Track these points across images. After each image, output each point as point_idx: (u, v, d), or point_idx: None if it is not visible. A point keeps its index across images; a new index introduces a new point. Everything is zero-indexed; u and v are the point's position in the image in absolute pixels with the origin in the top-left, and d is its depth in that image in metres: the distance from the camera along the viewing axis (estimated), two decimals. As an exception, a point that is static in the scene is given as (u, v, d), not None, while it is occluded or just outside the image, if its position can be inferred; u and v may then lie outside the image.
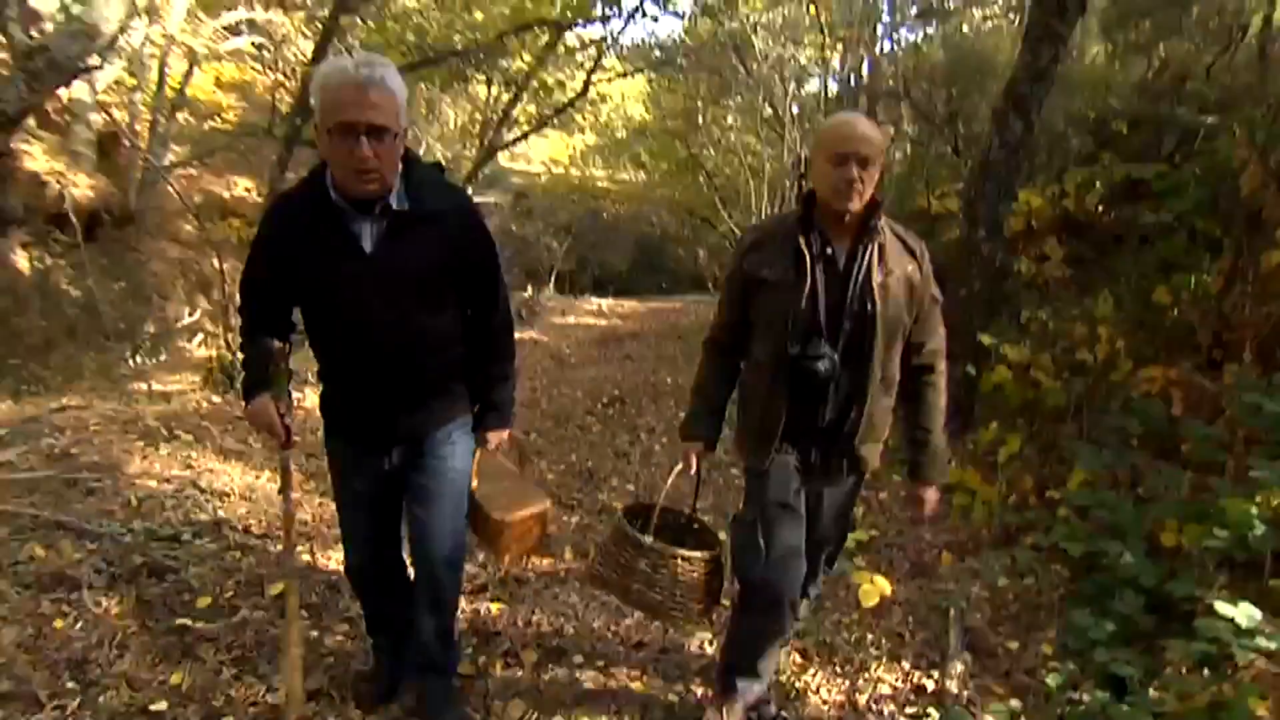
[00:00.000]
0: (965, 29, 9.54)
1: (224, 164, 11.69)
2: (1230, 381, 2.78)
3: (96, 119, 10.09)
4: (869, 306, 1.74)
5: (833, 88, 11.31)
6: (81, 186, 9.35)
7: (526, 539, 2.13)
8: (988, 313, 3.84)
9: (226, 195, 11.86)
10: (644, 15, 4.31)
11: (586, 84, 6.05)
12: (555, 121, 9.43)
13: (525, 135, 7.05)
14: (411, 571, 2.02)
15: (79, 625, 2.24)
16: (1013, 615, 2.62)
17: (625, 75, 6.71)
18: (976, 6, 10.05)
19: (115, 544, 2.60)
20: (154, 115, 9.96)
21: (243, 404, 1.80)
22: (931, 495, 1.99)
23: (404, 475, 1.90)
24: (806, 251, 1.76)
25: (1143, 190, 4.63)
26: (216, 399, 4.19)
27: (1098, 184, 5.04)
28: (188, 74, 10.42)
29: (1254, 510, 2.26)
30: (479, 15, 4.43)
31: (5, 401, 4.07)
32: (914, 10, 11.25)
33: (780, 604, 1.88)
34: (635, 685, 2.29)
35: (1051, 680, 2.14)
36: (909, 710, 2.19)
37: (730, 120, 12.73)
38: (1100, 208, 5.08)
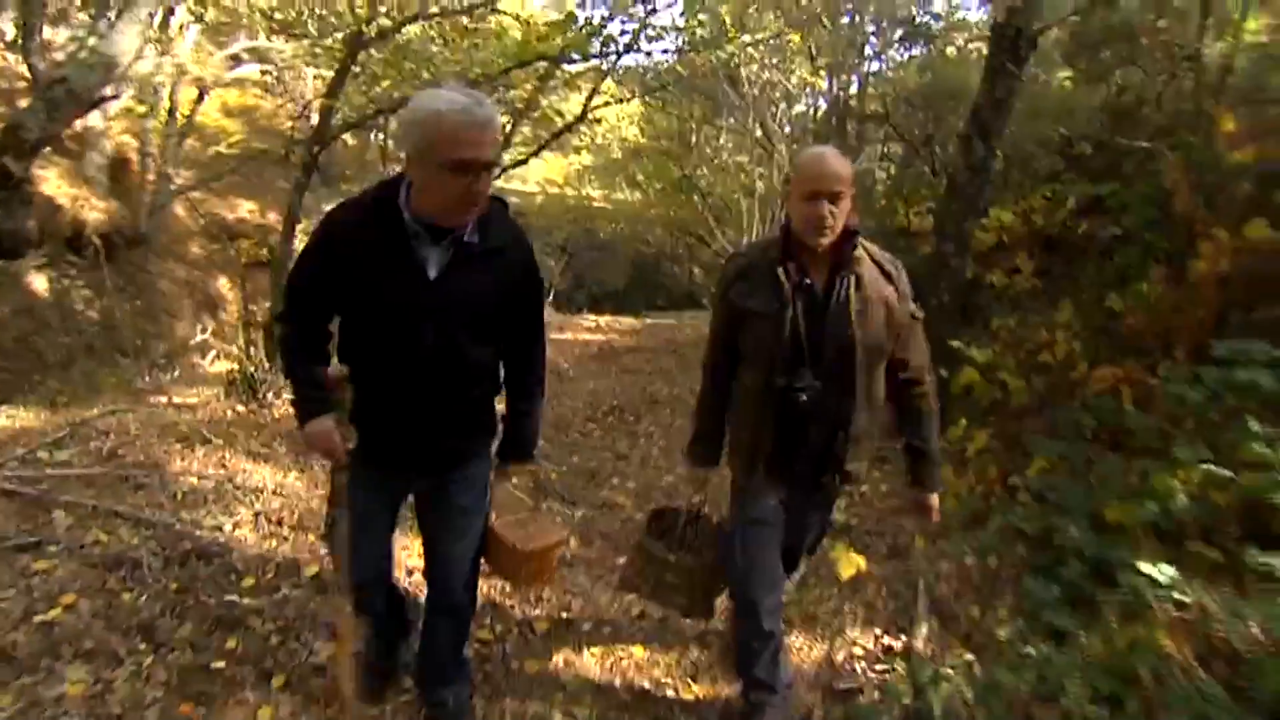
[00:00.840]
0: (950, 51, 10.00)
1: (227, 187, 12.05)
2: (1164, 374, 3.10)
3: (108, 145, 10.47)
4: (849, 335, 1.83)
5: (821, 106, 11.79)
6: (95, 210, 9.70)
7: (545, 569, 2.19)
8: (957, 321, 4.16)
9: (230, 217, 12.23)
10: (637, 50, 4.64)
11: (585, 110, 6.40)
12: (552, 144, 9.82)
13: (525, 160, 7.38)
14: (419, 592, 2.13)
15: (143, 598, 2.53)
16: (975, 587, 2.91)
17: (621, 101, 7.07)
18: (957, 31, 10.54)
19: (166, 531, 2.89)
20: (164, 141, 10.34)
21: (298, 424, 1.75)
22: (933, 502, 2.09)
23: (425, 501, 1.94)
24: (786, 283, 1.85)
25: (1102, 207, 4.98)
26: (240, 408, 4.47)
27: (1068, 201, 5.40)
28: (197, 101, 10.82)
29: (1177, 485, 2.57)
30: (485, 53, 4.77)
31: (44, 411, 4.34)
32: (899, 34, 11.75)
33: (753, 608, 2.05)
34: (636, 649, 2.58)
35: (1003, 634, 2.44)
36: (879, 666, 2.48)
37: (722, 140, 13.15)
38: (1066, 223, 5.44)
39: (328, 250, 1.69)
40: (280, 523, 3.22)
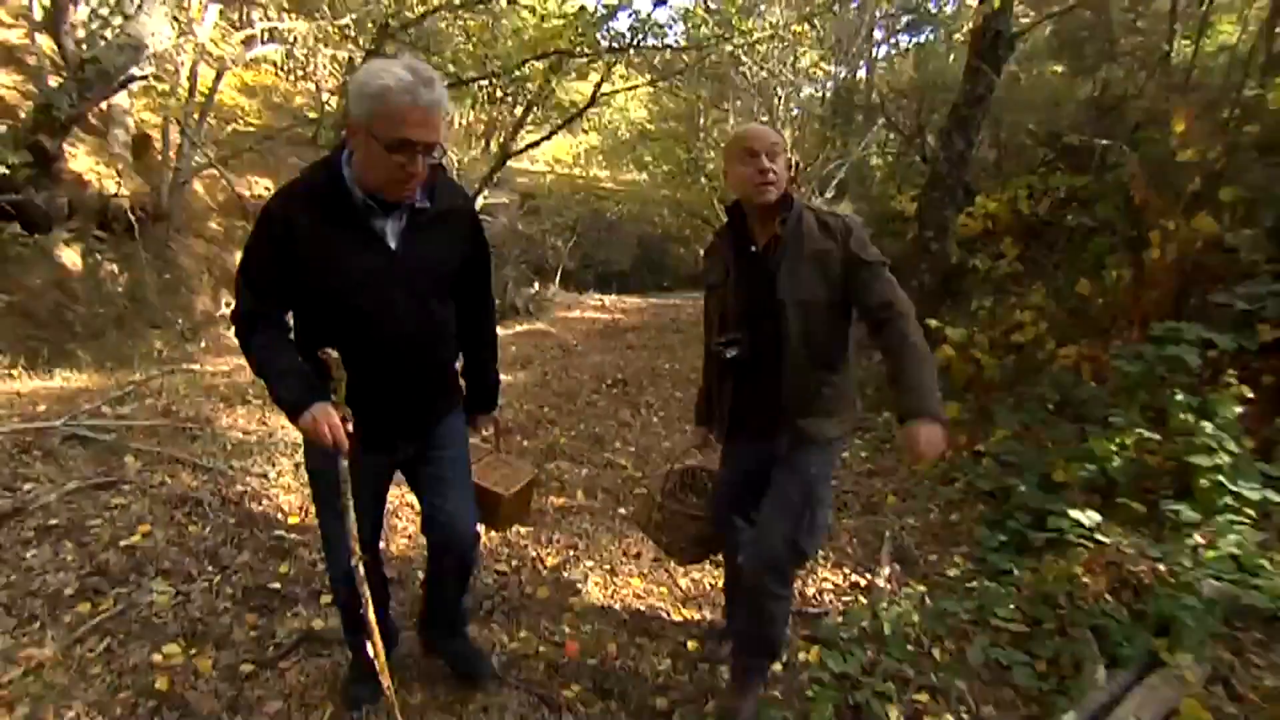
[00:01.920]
0: (957, 37, 10.17)
1: (245, 165, 12.36)
2: (1114, 352, 3.44)
3: (131, 122, 10.79)
4: (775, 292, 1.89)
5: (829, 90, 12.00)
6: (121, 186, 10.04)
7: (523, 508, 2.30)
8: (937, 301, 4.49)
9: (248, 194, 12.55)
10: (643, 47, 4.88)
11: (594, 95, 6.67)
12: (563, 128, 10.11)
13: (537, 143, 7.68)
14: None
15: (207, 529, 2.91)
16: (935, 536, 3.27)
17: (634, 88, 7.34)
18: (962, 19, 10.72)
19: (222, 476, 3.27)
20: (185, 119, 10.65)
21: (290, 416, 1.62)
22: (923, 431, 1.67)
23: (417, 463, 1.93)
24: (731, 254, 1.99)
25: (1080, 197, 5.28)
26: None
27: (1059, 190, 5.69)
28: (216, 80, 11.11)
29: (1113, 447, 2.92)
30: (504, 45, 5.06)
31: (95, 374, 4.72)
32: (905, 20, 11.92)
33: (728, 560, 2.33)
34: (634, 580, 2.95)
35: (953, 573, 2.80)
36: (845, 598, 2.84)
37: (730, 123, 13.38)
38: (1049, 212, 5.74)
39: (275, 240, 1.60)
40: (318, 472, 3.60)
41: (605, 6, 5.54)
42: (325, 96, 8.42)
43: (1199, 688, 1.99)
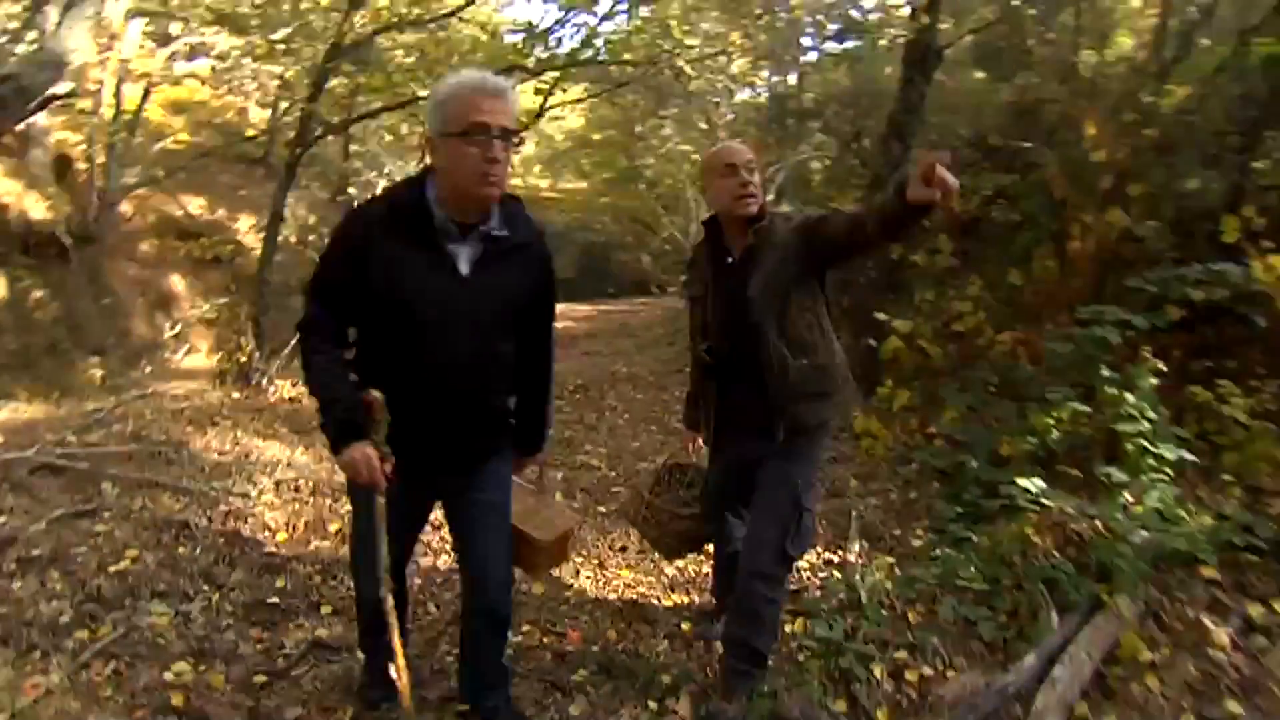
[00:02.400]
0: (883, 43, 10.67)
1: (175, 185, 11.97)
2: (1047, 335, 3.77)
3: (50, 142, 10.36)
4: (749, 294, 2.00)
5: (764, 96, 12.38)
6: (42, 209, 9.62)
7: (562, 555, 2.28)
8: (882, 295, 4.79)
9: (180, 215, 12.15)
10: (599, 61, 5.03)
11: (542, 110, 6.80)
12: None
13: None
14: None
15: (197, 551, 2.93)
16: (897, 513, 3.53)
17: (579, 101, 7.49)
18: (890, 27, 11.23)
19: (203, 498, 3.28)
20: (110, 138, 10.27)
21: (331, 448, 1.65)
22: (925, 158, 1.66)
23: (457, 501, 1.90)
24: (710, 267, 2.12)
25: (1007, 195, 5.68)
26: (236, 395, 4.81)
27: (987, 188, 6.09)
28: (144, 98, 10.75)
29: (1050, 421, 3.23)
30: (459, 62, 5.15)
31: (44, 404, 4.60)
32: (833, 28, 12.40)
33: (719, 545, 2.50)
34: (624, 572, 3.11)
35: (917, 544, 3.05)
36: (821, 574, 3.06)
37: (666, 130, 13.62)
38: (979, 210, 6.14)
39: (350, 252, 1.63)
40: (298, 490, 3.63)
41: (557, 22, 5.70)
42: (267, 112, 8.26)
43: (1134, 623, 2.26)
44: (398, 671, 1.71)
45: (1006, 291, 4.76)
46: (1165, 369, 3.27)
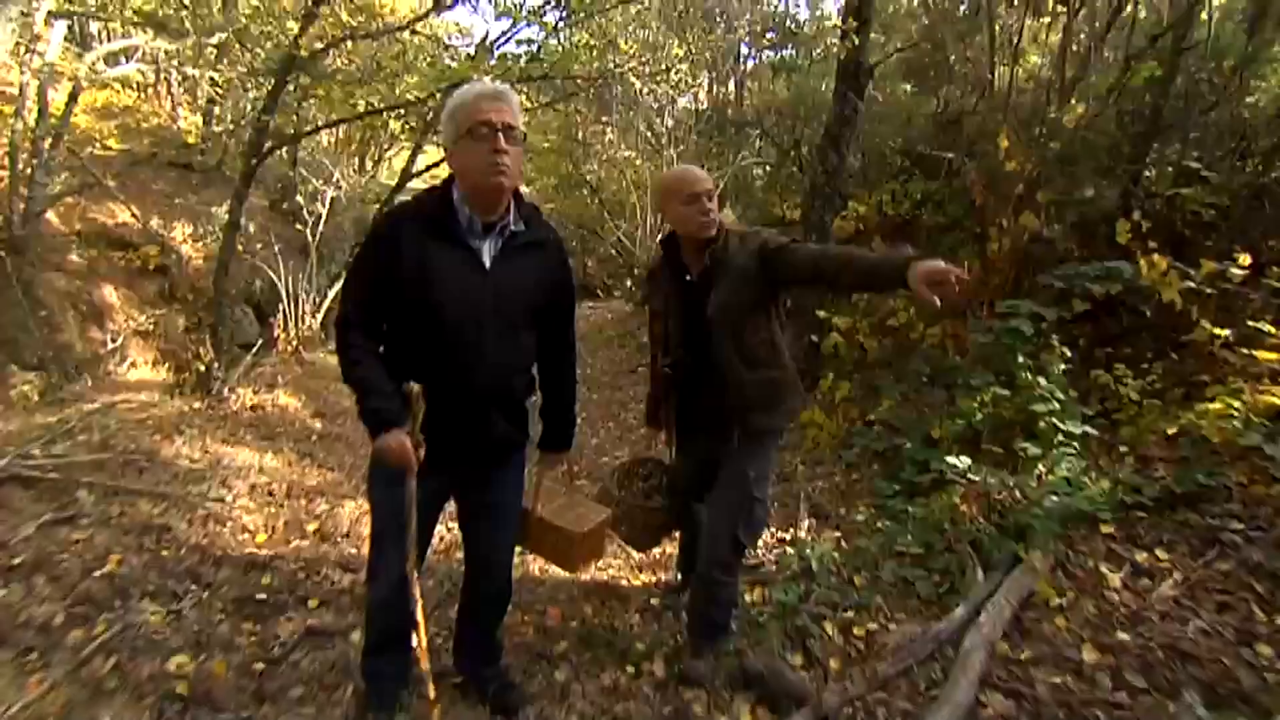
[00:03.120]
0: (817, 53, 11.13)
1: (104, 192, 11.58)
2: (971, 328, 4.16)
3: (-33, 148, 9.91)
4: (707, 313, 2.15)
5: (704, 104, 12.74)
6: (-34, 220, 9.21)
7: (598, 546, 2.38)
8: (822, 295, 5.13)
9: (110, 224, 11.75)
10: (552, 76, 5.22)
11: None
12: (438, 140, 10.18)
13: (439, 163, 7.85)
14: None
15: (182, 552, 3.02)
16: (842, 493, 3.85)
17: (529, 110, 7.65)
18: (822, 39, 11.74)
19: (183, 502, 3.35)
20: (34, 144, 9.89)
21: (370, 434, 1.74)
22: (924, 266, 1.71)
23: (472, 494, 1.99)
24: (670, 285, 2.24)
25: (934, 200, 6.13)
26: (196, 404, 4.82)
27: (916, 194, 6.53)
28: (70, 103, 10.39)
29: (975, 405, 3.59)
30: (418, 76, 5.25)
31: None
32: (771, 35, 12.85)
33: (685, 530, 2.72)
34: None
35: (860, 518, 3.37)
36: (774, 551, 3.33)
37: (609, 136, 13.84)
38: (909, 213, 6.59)
39: (383, 253, 1.74)
40: (272, 493, 3.73)
41: (503, 34, 5.83)
42: (197, 117, 8.11)
43: (1046, 574, 2.61)
44: (419, 642, 1.85)
45: (935, 289, 5.16)
46: (1072, 355, 3.68)
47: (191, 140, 9.10)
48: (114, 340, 8.70)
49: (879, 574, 2.88)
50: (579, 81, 5.79)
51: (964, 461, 3.24)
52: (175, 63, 10.64)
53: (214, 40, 9.27)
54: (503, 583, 2.15)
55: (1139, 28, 4.70)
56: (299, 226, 8.26)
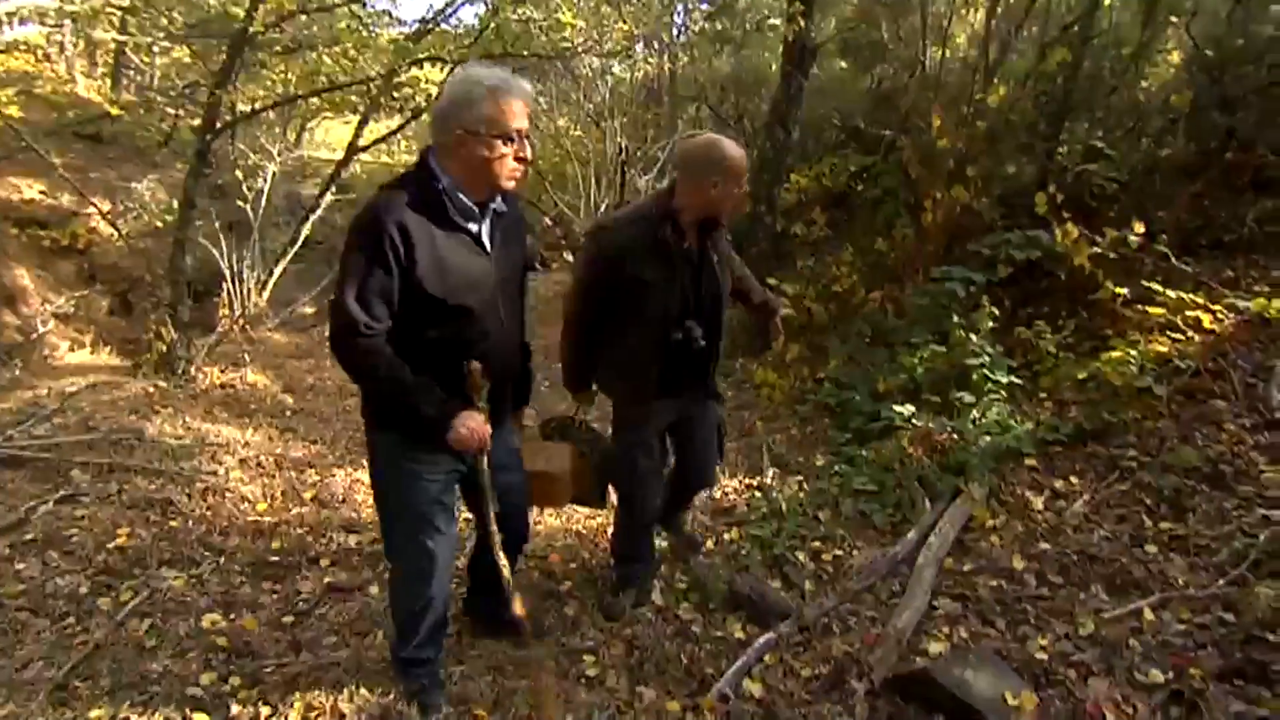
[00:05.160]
0: (748, 25, 11.39)
1: (6, 166, 10.90)
2: (908, 292, 4.59)
3: None
4: (719, 288, 2.37)
5: (640, 75, 12.85)
6: None
7: (577, 485, 2.47)
8: (770, 262, 5.50)
9: (16, 200, 11.08)
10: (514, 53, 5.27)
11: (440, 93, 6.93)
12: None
13: (386, 137, 7.81)
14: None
15: (190, 523, 3.15)
16: (800, 444, 4.23)
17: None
18: (753, 11, 12.00)
19: (180, 477, 3.46)
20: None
21: (438, 426, 1.75)
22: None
23: (478, 468, 1.92)
24: (680, 258, 2.29)
25: (870, 173, 6.55)
26: (163, 384, 4.81)
27: (854, 167, 6.93)
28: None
29: (915, 361, 4.02)
30: (375, 53, 5.23)
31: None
32: (705, 7, 13.00)
33: (642, 508, 2.63)
34: (580, 510, 3.60)
35: (819, 464, 3.76)
36: (745, 495, 3.69)
37: (544, 104, 13.74)
38: (848, 185, 7.01)
39: (393, 250, 1.66)
40: (261, 465, 3.84)
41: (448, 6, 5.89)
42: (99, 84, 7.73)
43: (982, 502, 3.05)
44: (515, 599, 1.99)
45: (874, 256, 5.59)
46: (998, 315, 4.14)
47: (115, 111, 8.66)
48: (43, 325, 8.35)
49: (840, 509, 3.27)
50: (534, 59, 5.88)
51: (908, 410, 3.66)
52: (73, 24, 10.07)
53: (124, 2, 8.85)
54: (522, 525, 2.27)
55: (1052, 17, 5.16)
56: (240, 202, 8.05)
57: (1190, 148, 4.56)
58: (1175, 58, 5.10)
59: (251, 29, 4.60)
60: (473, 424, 1.76)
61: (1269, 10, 4.46)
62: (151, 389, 4.75)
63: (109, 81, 12.58)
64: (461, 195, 1.75)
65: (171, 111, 8.69)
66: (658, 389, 2.42)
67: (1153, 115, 4.76)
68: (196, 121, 6.50)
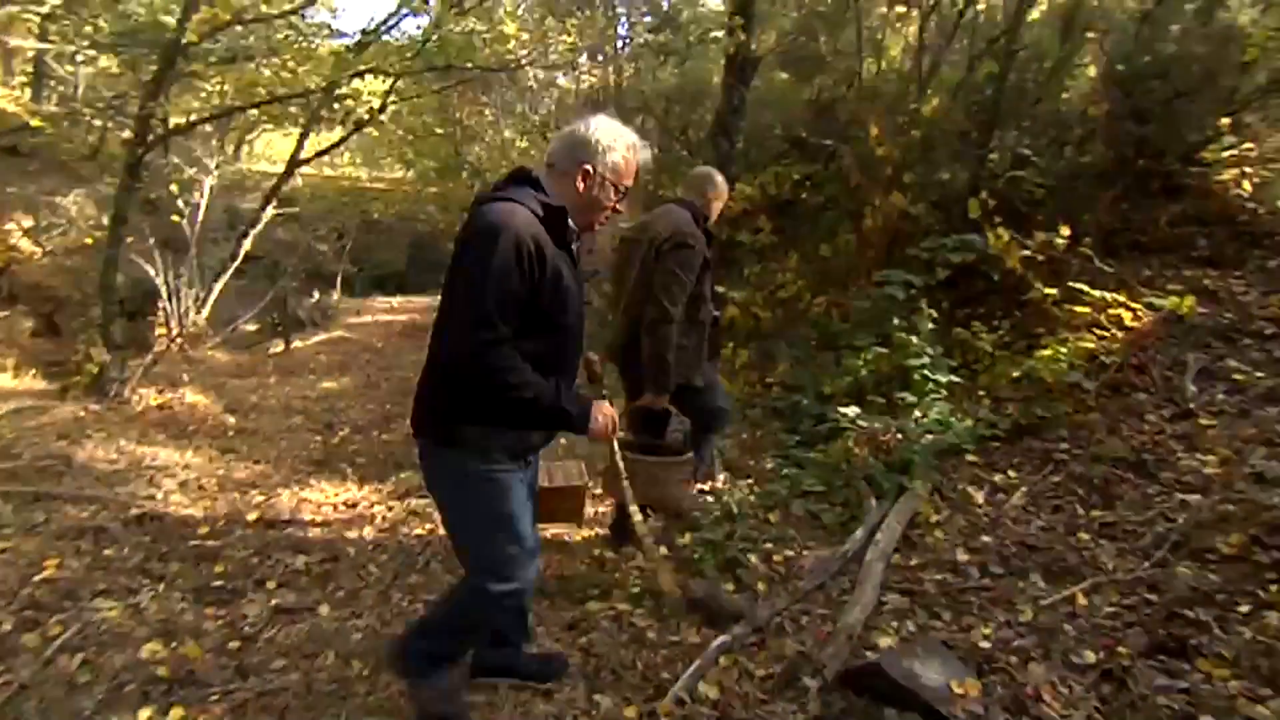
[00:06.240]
0: (691, 38, 11.57)
1: (-81, 181, 10.31)
2: (852, 296, 4.72)
3: None
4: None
5: (584, 85, 12.91)
6: None
7: (584, 496, 2.66)
8: (718, 270, 5.56)
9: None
10: (457, 66, 5.25)
11: (384, 103, 6.87)
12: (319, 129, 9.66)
13: (327, 150, 7.67)
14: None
15: (125, 550, 3.03)
16: (750, 448, 4.29)
17: (418, 97, 7.58)
18: (700, 23, 12.20)
19: (114, 503, 3.32)
20: None
21: (577, 421, 1.85)
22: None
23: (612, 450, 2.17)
24: (706, 252, 2.95)
25: (814, 181, 6.72)
26: (95, 407, 4.62)
27: (797, 175, 7.08)
28: None
29: (859, 363, 4.13)
30: (316, 66, 5.11)
31: None
32: (648, 20, 13.17)
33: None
34: (536, 522, 3.58)
35: (769, 467, 3.82)
36: (698, 500, 3.72)
37: (487, 115, 13.65)
38: (791, 194, 7.16)
39: (527, 262, 1.69)
40: (203, 488, 3.72)
41: (388, 19, 5.83)
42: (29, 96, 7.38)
43: (926, 498, 3.15)
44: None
45: (819, 262, 5.74)
46: (937, 316, 4.29)
47: (36, 123, 8.29)
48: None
49: (790, 510, 3.34)
50: (478, 71, 5.86)
51: (853, 411, 3.75)
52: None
53: (43, 9, 8.54)
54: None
55: (979, 31, 5.40)
56: (175, 218, 7.78)
57: (1109, 155, 4.82)
58: (1093, 71, 5.38)
59: (184, 39, 4.46)
60: (607, 410, 1.93)
61: (1169, 30, 4.76)
62: (82, 413, 4.55)
63: (28, 91, 12.04)
64: (569, 222, 1.85)
65: (99, 124, 8.35)
66: (704, 354, 3.08)
67: (1074, 125, 5.01)
68: (126, 134, 6.31)
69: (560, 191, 1.83)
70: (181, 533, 3.25)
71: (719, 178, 3.11)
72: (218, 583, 2.92)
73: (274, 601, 2.82)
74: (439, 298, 1.87)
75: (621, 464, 2.38)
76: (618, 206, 1.90)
